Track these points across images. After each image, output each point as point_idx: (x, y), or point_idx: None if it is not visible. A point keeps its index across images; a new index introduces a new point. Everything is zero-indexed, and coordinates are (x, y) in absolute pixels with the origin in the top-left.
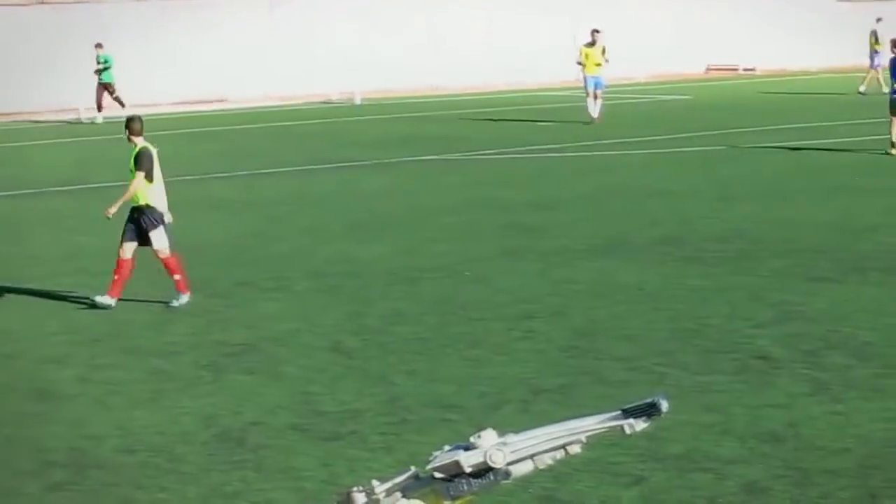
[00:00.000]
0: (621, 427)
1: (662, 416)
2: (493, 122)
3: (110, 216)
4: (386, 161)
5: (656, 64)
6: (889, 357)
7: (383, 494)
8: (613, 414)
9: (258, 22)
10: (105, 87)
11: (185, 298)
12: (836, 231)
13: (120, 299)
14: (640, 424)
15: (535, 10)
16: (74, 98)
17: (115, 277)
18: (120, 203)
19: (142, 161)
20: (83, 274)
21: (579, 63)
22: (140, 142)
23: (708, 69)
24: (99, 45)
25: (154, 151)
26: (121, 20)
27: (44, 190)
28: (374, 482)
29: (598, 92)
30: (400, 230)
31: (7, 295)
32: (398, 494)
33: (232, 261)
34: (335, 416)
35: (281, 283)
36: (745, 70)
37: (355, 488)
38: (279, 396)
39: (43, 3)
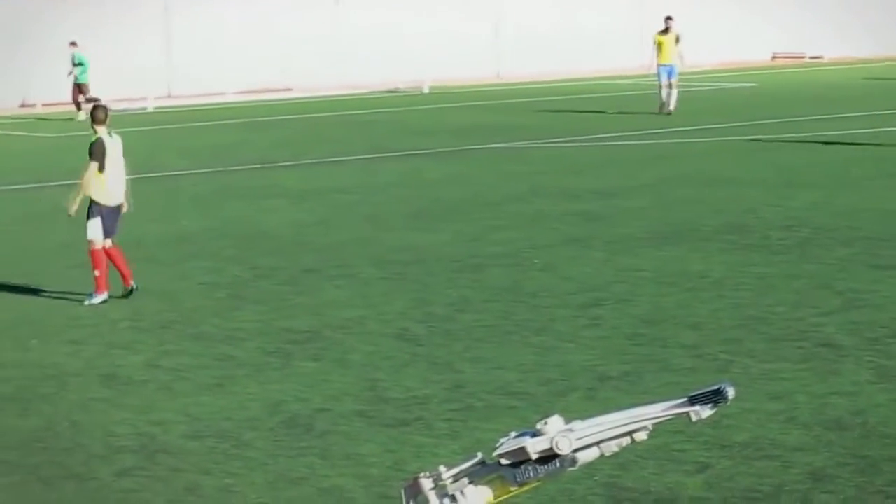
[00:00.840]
0: (687, 414)
1: (728, 403)
2: (559, 111)
3: (73, 214)
4: (452, 149)
5: (722, 51)
6: None
7: (450, 480)
8: (679, 401)
9: (325, 10)
10: (79, 87)
11: (98, 299)
12: None
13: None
14: (705, 412)
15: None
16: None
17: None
18: (79, 198)
19: (93, 151)
20: (149, 262)
21: (657, 47)
22: (101, 131)
23: (774, 57)
24: (73, 44)
25: (116, 141)
26: (186, 7)
27: None
28: (441, 468)
29: (673, 81)
30: (465, 218)
31: (73, 282)
32: (465, 480)
33: (297, 248)
34: (401, 402)
35: (346, 271)
36: (812, 58)
37: (422, 474)
38: (345, 383)
39: None
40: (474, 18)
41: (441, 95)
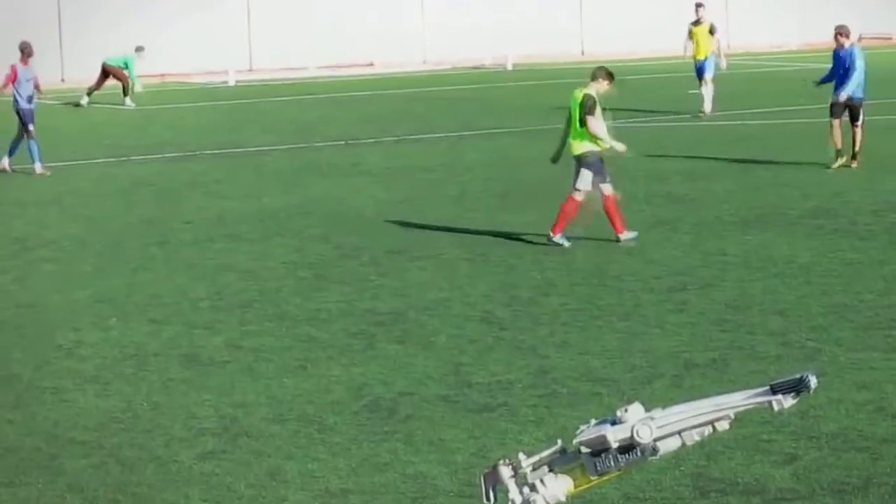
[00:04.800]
0: (769, 403)
1: (811, 393)
2: (642, 90)
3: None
4: (537, 128)
5: (807, 31)
6: None
7: (529, 468)
8: (762, 390)
9: None
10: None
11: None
12: None
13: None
14: (788, 401)
15: None
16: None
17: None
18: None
19: (593, 106)
20: (231, 239)
21: (691, 40)
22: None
23: (861, 37)
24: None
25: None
26: None
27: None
28: (521, 455)
29: (708, 78)
30: (550, 199)
31: (153, 259)
32: (545, 469)
33: (382, 228)
34: (485, 387)
35: (431, 252)
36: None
37: (502, 461)
38: (429, 367)
39: None
40: None
41: (525, 73)
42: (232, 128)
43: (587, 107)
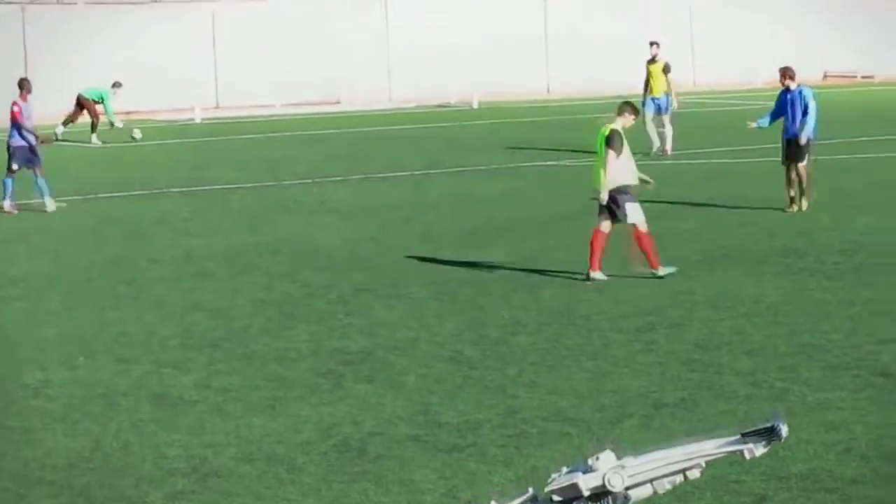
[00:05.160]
0: (741, 452)
1: (782, 441)
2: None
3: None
4: (503, 166)
5: (774, 69)
6: None
7: None
8: (732, 438)
9: (374, 23)
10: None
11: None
12: None
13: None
14: (759, 449)
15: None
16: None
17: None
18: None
19: (614, 140)
20: (200, 277)
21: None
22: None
23: (826, 76)
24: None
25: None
26: (234, 19)
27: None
28: (493, 502)
29: (665, 118)
30: (518, 237)
31: (122, 298)
32: None
33: (349, 266)
34: (454, 427)
35: (399, 290)
36: (864, 77)
37: None
38: (398, 406)
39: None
40: (524, 33)
41: (491, 111)
42: (199, 165)
43: (609, 141)
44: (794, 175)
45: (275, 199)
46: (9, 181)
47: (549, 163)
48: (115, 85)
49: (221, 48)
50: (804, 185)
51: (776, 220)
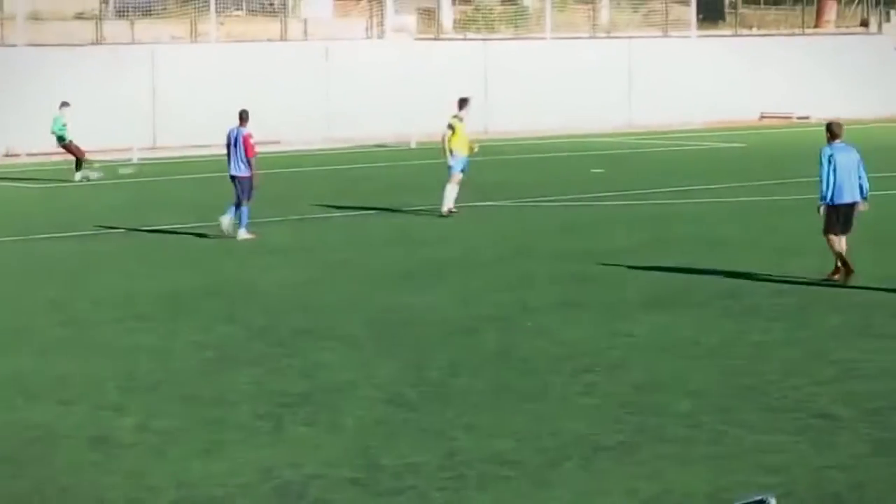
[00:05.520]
0: None
1: None
2: (546, 168)
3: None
4: (440, 206)
5: (710, 110)
6: None
7: None
8: None
9: (313, 64)
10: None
11: None
12: (893, 285)
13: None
14: None
15: (589, 53)
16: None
17: None
18: None
19: None
20: (139, 320)
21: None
22: None
23: (762, 116)
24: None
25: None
26: (172, 59)
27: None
28: None
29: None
30: (456, 278)
31: (61, 340)
32: None
33: (289, 308)
34: (394, 470)
35: (338, 332)
36: (799, 118)
37: None
38: (338, 449)
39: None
40: (459, 73)
41: (428, 151)
42: (137, 206)
43: None
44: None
45: (213, 241)
46: None
47: (485, 203)
48: (63, 105)
49: (160, 89)
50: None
51: (715, 262)
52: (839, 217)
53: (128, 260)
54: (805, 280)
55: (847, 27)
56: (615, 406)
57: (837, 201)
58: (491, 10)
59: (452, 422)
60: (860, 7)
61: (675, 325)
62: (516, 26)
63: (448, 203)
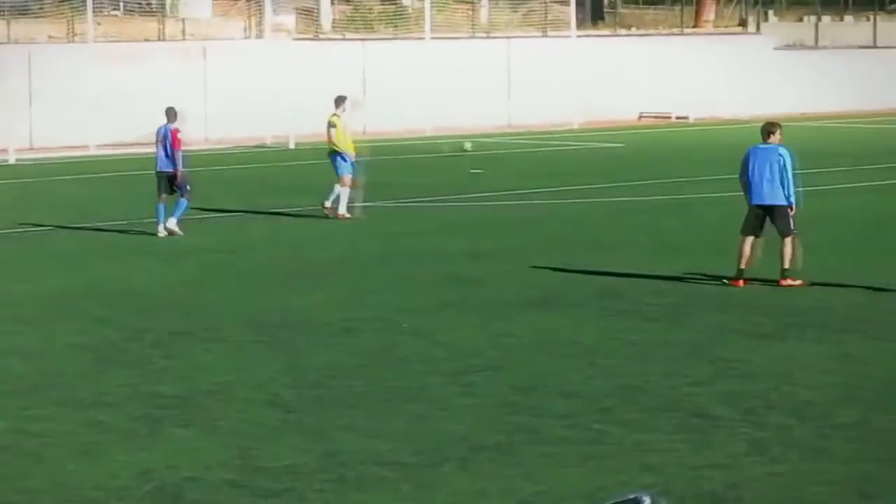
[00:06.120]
0: None
1: None
2: (425, 168)
3: None
4: (320, 208)
5: (589, 110)
6: (829, 417)
7: None
8: None
9: (192, 65)
10: None
11: None
12: (772, 285)
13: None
14: None
15: (469, 53)
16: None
17: None
18: None
19: None
20: (15, 322)
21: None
22: None
23: (640, 116)
24: None
25: None
26: (49, 60)
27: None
28: None
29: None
30: (336, 280)
31: None
32: None
33: (167, 310)
34: (272, 471)
35: (216, 334)
36: (678, 118)
37: None
38: (215, 451)
39: None
40: (339, 73)
41: (307, 151)
42: (12, 207)
43: None
44: None
45: (90, 242)
46: None
47: (365, 204)
48: None
49: (37, 89)
50: None
51: (594, 263)
52: (755, 218)
53: (1, 262)
54: (684, 280)
55: (726, 27)
56: (494, 407)
57: (753, 202)
58: (370, 10)
59: (331, 423)
60: (739, 7)
61: (554, 326)
62: (396, 26)
63: (343, 206)
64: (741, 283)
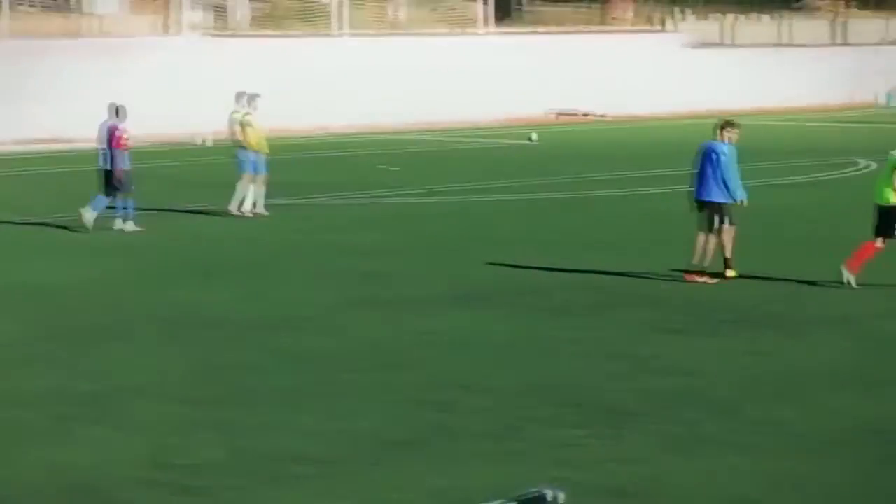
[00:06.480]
0: None
1: None
2: (341, 166)
3: None
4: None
5: (505, 108)
6: (742, 411)
7: None
8: None
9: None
10: None
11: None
12: (686, 282)
13: None
14: None
15: (385, 50)
16: None
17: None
18: None
19: None
20: None
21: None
22: None
23: (555, 114)
24: None
25: None
26: None
27: None
28: None
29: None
30: (248, 277)
31: None
32: None
33: (77, 307)
34: (185, 469)
35: (130, 332)
36: (594, 115)
37: None
38: (128, 448)
39: None
40: (254, 70)
41: (221, 148)
42: None
43: None
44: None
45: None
46: None
47: (279, 202)
48: None
49: None
50: None
51: (511, 259)
52: (705, 214)
53: None
54: (601, 276)
55: (640, 25)
56: (408, 403)
57: (698, 198)
58: (287, 7)
59: (244, 420)
60: (654, 5)
61: (470, 322)
62: (313, 24)
63: (248, 204)
64: (696, 277)
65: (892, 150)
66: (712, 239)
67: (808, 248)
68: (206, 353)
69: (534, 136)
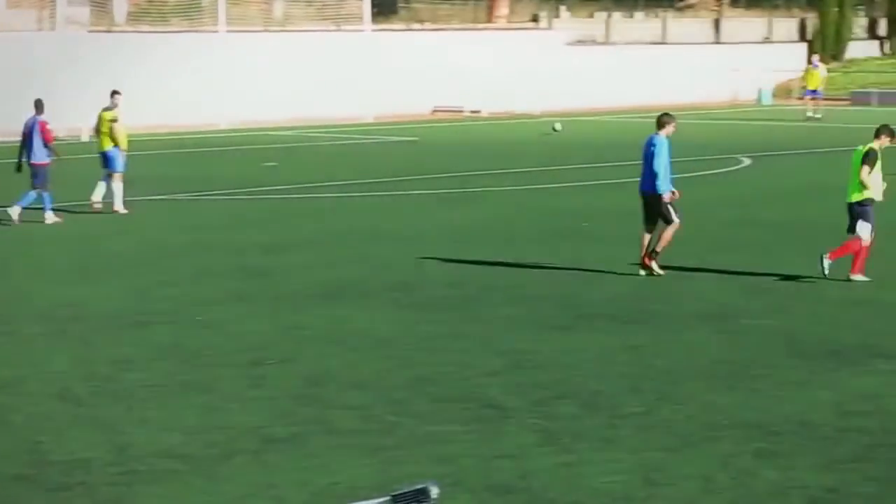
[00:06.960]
0: None
1: (432, 502)
2: (218, 162)
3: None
4: (110, 201)
5: (384, 104)
6: (618, 407)
7: None
8: (383, 500)
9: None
10: None
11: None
12: (564, 278)
13: None
14: None
15: (263, 46)
16: None
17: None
18: None
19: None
20: None
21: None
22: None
23: (434, 110)
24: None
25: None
26: None
27: None
28: None
29: (118, 175)
30: (128, 272)
31: None
32: None
33: None
34: (63, 465)
35: (6, 327)
36: (471, 112)
37: None
38: (5, 445)
39: None
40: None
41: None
42: None
43: (866, 158)
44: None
45: None
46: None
47: (158, 198)
48: None
49: None
50: None
51: (386, 255)
52: (644, 206)
53: None
54: (476, 272)
55: (518, 22)
56: (286, 399)
57: (639, 189)
58: (165, 2)
59: (123, 416)
60: (531, 3)
61: (346, 318)
62: (190, 19)
63: (98, 194)
64: (647, 260)
65: (857, 145)
66: (655, 230)
67: (689, 245)
68: (85, 348)
69: (558, 125)
